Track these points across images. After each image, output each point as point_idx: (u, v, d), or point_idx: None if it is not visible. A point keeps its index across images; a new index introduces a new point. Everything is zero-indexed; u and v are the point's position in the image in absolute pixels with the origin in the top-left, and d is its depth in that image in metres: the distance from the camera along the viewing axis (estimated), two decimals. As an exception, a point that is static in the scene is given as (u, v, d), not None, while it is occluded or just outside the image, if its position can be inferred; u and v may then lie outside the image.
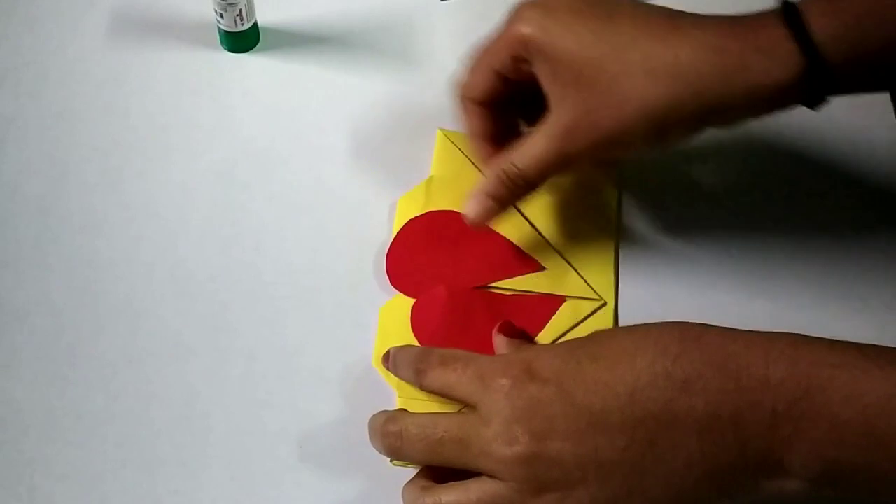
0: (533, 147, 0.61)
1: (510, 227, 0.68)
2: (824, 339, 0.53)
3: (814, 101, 0.58)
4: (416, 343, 0.64)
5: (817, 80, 0.56)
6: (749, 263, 0.68)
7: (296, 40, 0.78)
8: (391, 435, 0.57)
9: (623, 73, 0.58)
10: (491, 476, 0.54)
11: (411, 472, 0.59)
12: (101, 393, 0.64)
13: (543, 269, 0.66)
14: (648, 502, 0.52)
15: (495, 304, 0.66)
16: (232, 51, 0.77)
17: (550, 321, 0.65)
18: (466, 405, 0.58)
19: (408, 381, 0.61)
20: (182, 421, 0.63)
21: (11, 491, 0.61)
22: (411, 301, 0.65)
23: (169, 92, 0.75)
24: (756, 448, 0.51)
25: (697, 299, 0.67)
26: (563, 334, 0.65)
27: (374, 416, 0.59)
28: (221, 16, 0.75)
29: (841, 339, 0.53)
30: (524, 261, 0.67)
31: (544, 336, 0.65)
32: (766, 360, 0.52)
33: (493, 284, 0.66)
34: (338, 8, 0.79)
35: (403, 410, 0.59)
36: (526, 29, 0.60)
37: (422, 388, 0.59)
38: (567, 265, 0.67)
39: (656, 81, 0.57)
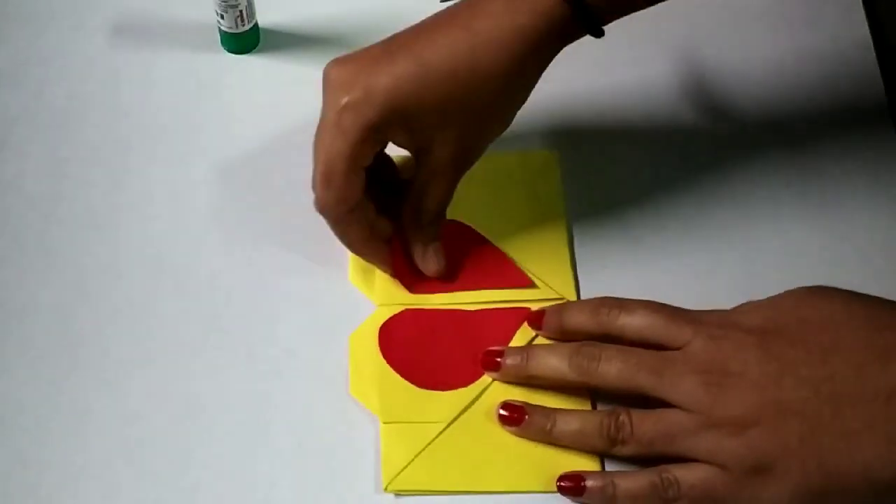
0: (437, 188, 0.64)
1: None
2: None
3: (592, 31, 0.64)
4: (386, 367, 0.63)
5: (584, 17, 0.62)
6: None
7: (296, 41, 0.78)
8: (585, 353, 0.60)
9: (463, 82, 0.61)
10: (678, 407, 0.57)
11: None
12: (101, 393, 0.64)
13: (535, 286, 0.66)
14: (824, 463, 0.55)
15: (462, 321, 0.65)
16: (233, 52, 0.77)
17: (519, 330, 0.64)
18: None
19: (590, 329, 0.62)
20: (182, 420, 0.63)
21: (11, 491, 0.61)
22: (379, 325, 0.65)
23: (169, 92, 0.76)
24: None
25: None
26: (532, 339, 0.64)
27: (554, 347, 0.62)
28: (222, 17, 0.75)
29: None
30: (518, 275, 0.67)
31: (516, 344, 0.64)
32: None
33: (458, 301, 0.66)
34: (338, 8, 0.79)
35: None
36: (369, 114, 0.60)
37: (612, 330, 0.61)
38: (524, 271, 0.67)
39: (487, 60, 0.61)
